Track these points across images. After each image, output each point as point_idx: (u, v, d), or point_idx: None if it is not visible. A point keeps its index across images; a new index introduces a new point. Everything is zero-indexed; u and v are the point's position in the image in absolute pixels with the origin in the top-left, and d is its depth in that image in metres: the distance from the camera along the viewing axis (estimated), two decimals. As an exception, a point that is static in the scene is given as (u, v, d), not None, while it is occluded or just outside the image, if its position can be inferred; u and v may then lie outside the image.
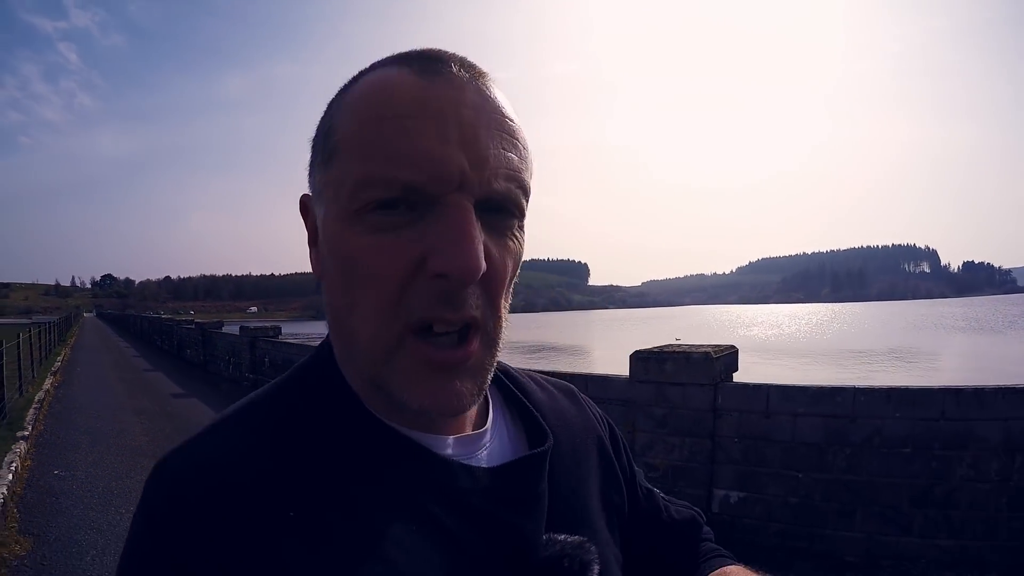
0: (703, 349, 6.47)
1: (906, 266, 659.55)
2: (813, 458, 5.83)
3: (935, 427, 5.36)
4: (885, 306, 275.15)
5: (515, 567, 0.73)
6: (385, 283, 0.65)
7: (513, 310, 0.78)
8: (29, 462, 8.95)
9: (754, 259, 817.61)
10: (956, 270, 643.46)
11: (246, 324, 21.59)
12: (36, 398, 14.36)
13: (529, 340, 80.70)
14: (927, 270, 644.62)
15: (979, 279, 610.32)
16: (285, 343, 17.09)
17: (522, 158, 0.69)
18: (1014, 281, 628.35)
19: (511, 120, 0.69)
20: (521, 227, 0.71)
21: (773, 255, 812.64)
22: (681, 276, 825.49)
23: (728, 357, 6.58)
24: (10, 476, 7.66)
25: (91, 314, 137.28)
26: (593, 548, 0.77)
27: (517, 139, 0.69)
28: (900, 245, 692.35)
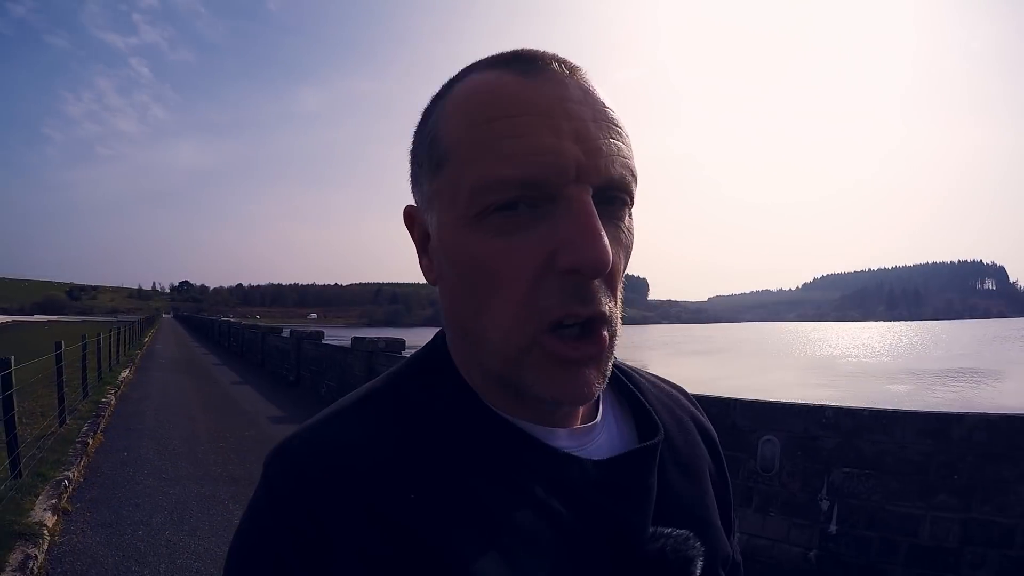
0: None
1: (973, 283, 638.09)
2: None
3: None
4: (925, 325, 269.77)
5: (620, 557, 0.73)
6: (516, 284, 0.66)
7: None
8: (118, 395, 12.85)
9: (819, 275, 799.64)
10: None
11: (296, 328, 25.50)
12: (120, 376, 18.72)
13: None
14: (993, 287, 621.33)
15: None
16: (325, 344, 20.74)
17: (628, 146, 0.70)
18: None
19: (613, 111, 0.70)
20: (631, 217, 0.72)
21: (838, 271, 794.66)
22: (747, 292, 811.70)
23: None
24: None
25: (169, 315, 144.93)
26: (698, 544, 0.78)
27: (621, 128, 0.70)
28: (966, 261, 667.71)
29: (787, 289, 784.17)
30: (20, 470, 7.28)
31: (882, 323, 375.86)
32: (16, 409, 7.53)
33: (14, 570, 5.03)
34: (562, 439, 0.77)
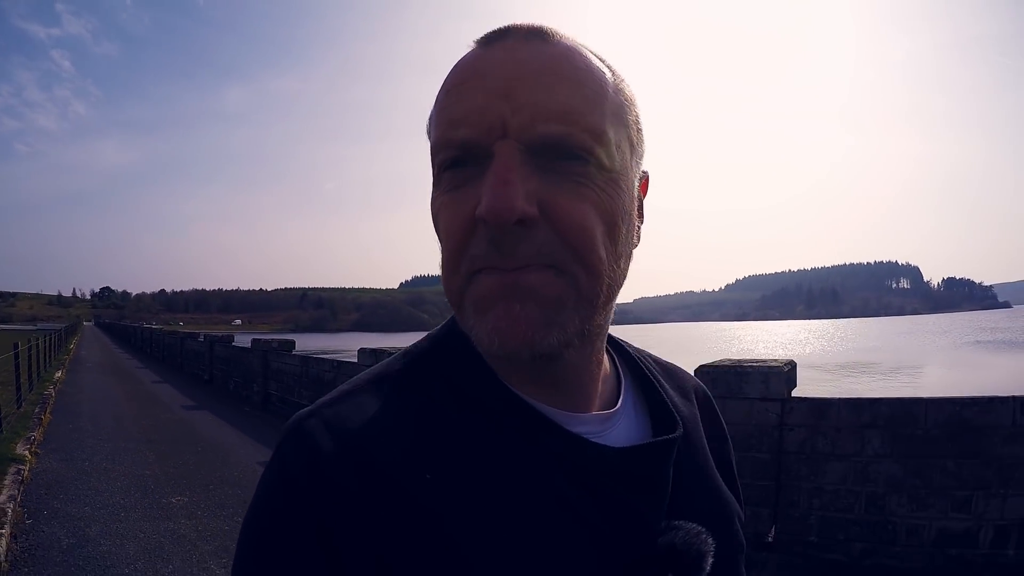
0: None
1: (889, 283, 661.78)
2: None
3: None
4: (842, 323, 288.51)
5: (633, 548, 0.73)
6: (454, 236, 0.68)
7: None
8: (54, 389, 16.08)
9: (741, 276, 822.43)
10: (937, 286, 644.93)
11: (208, 332, 28.56)
12: (54, 376, 21.64)
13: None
14: (907, 286, 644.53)
15: (958, 295, 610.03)
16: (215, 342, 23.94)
17: (588, 100, 0.68)
18: (994, 297, 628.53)
19: (575, 67, 0.69)
20: (608, 175, 0.69)
21: (759, 272, 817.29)
22: (672, 293, 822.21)
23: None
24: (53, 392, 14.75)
25: (90, 323, 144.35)
26: (709, 539, 0.77)
27: (581, 83, 0.68)
28: (882, 262, 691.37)
29: (711, 290, 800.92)
30: (1, 427, 11.03)
31: (800, 321, 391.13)
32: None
33: (14, 475, 8.51)
34: (582, 424, 0.76)
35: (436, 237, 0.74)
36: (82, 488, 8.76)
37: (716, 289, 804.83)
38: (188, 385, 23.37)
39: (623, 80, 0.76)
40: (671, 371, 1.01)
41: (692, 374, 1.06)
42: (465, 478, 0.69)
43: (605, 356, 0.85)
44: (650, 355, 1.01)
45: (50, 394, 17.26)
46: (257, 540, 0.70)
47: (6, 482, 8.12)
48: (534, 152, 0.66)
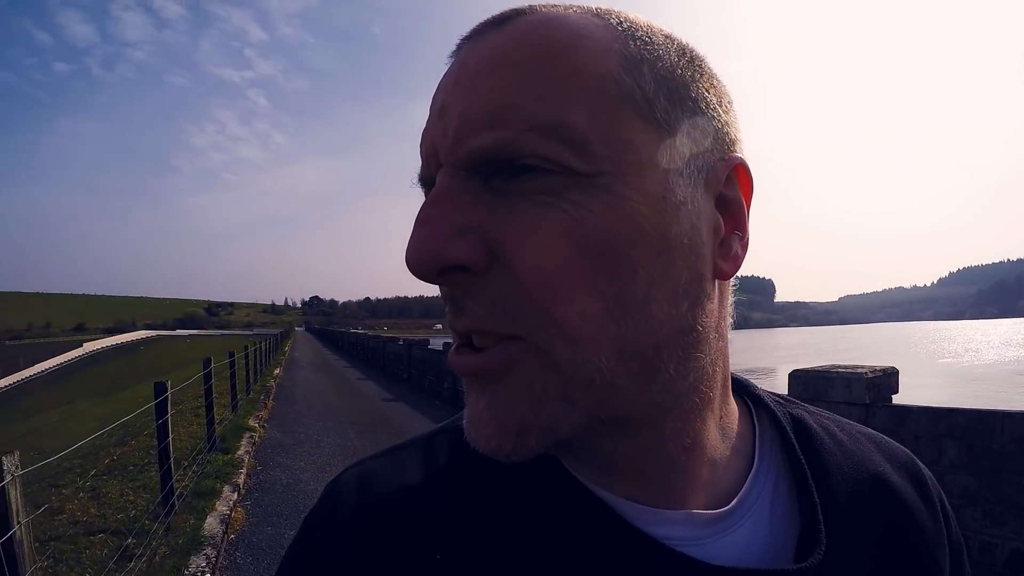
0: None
1: None
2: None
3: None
4: None
5: None
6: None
7: None
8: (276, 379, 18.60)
9: (955, 268, 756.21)
10: None
11: (407, 337, 30.97)
12: (274, 372, 24.60)
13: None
14: None
15: None
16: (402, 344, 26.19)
17: (536, 85, 0.47)
18: None
19: (524, 46, 0.49)
20: (589, 182, 0.47)
21: (976, 263, 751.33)
22: (879, 290, 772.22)
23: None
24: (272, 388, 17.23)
25: (301, 328, 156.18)
26: None
27: (527, 65, 0.48)
28: None
29: (922, 285, 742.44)
30: (237, 407, 13.53)
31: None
32: (225, 387, 13.48)
33: (248, 439, 10.81)
34: (666, 525, 0.54)
35: None
36: (298, 451, 10.86)
37: (927, 284, 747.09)
38: (388, 383, 25.90)
39: (635, 37, 0.51)
40: (870, 446, 0.68)
41: (896, 444, 0.72)
42: (482, 572, 0.55)
43: (735, 427, 0.61)
44: (838, 422, 0.71)
45: (271, 386, 20.23)
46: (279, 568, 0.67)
47: (243, 442, 10.49)
48: (476, 174, 0.49)
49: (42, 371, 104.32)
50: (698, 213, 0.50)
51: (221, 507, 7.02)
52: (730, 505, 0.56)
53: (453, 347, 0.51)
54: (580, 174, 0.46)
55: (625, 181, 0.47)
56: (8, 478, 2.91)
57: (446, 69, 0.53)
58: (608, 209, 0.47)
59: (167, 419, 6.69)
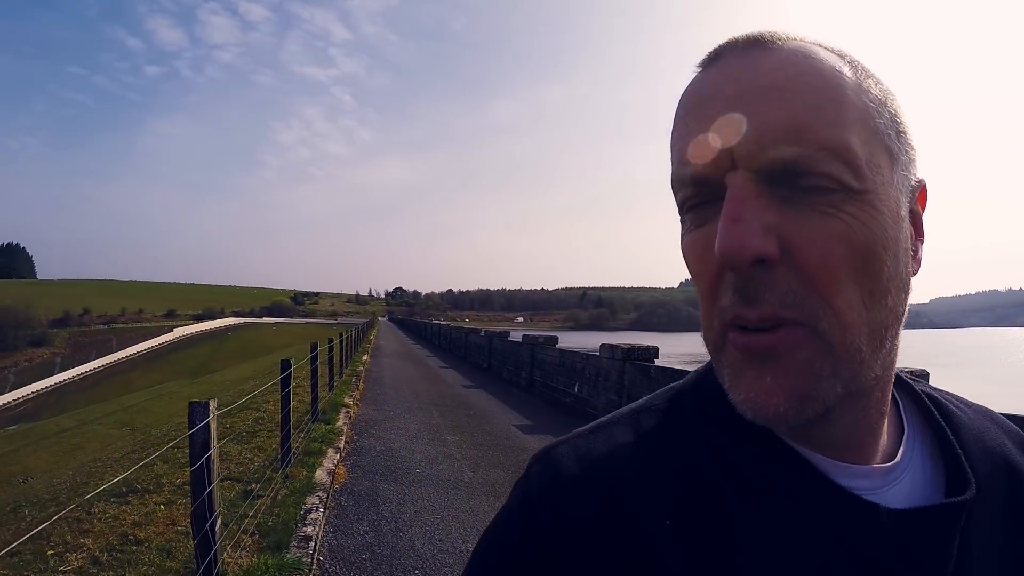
0: None
1: None
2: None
3: None
4: None
5: None
6: (703, 281, 0.62)
7: None
8: (367, 358, 20.18)
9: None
10: None
11: (488, 328, 32.43)
12: (362, 359, 26.26)
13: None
14: None
15: None
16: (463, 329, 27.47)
17: (822, 112, 0.58)
18: None
19: (802, 73, 0.59)
20: (859, 198, 0.58)
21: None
22: (973, 293, 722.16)
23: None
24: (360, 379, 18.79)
25: (384, 318, 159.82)
26: None
27: (811, 91, 0.58)
28: None
29: (1018, 289, 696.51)
30: (332, 386, 15.08)
31: None
32: (323, 369, 14.92)
33: (344, 414, 12.26)
34: (854, 477, 0.65)
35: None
36: (388, 425, 12.29)
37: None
38: (469, 371, 27.39)
39: (869, 76, 0.64)
40: (986, 419, 0.79)
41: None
42: (709, 529, 0.63)
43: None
44: (958, 398, 0.82)
45: (361, 371, 21.86)
46: (485, 551, 0.72)
47: (340, 416, 11.95)
48: (770, 181, 0.58)
49: (134, 354, 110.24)
50: (906, 224, 0.63)
51: (327, 464, 8.40)
52: (896, 459, 0.68)
53: (725, 329, 0.61)
54: (853, 191, 0.58)
55: (880, 198, 0.59)
56: (211, 415, 4.27)
57: (701, 77, 0.64)
58: (872, 220, 0.59)
59: (289, 390, 8.12)
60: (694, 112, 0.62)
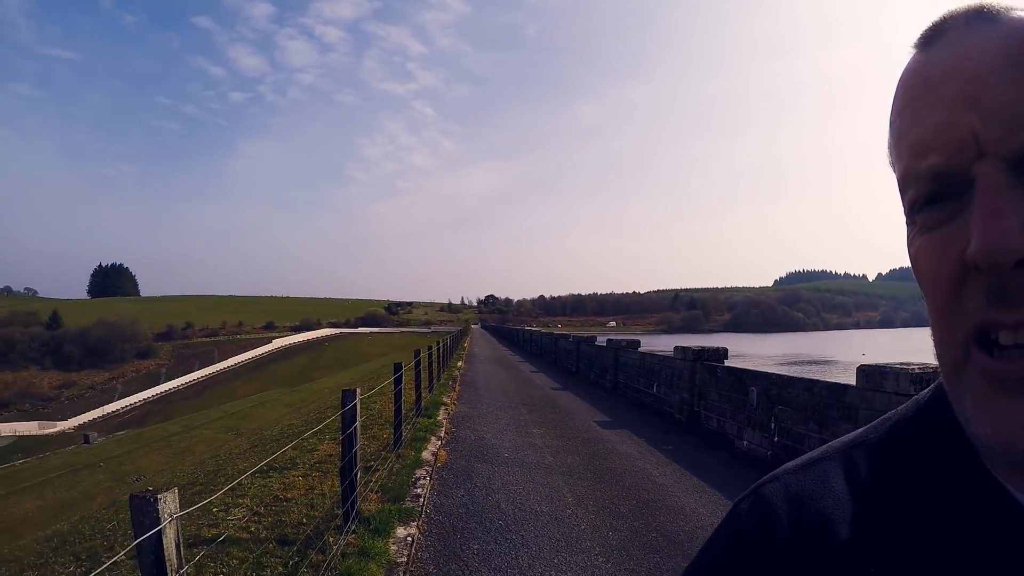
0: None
1: None
2: None
3: None
4: None
5: None
6: (940, 288, 0.55)
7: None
8: (462, 363, 21.97)
9: None
10: None
11: (576, 334, 34.00)
12: (457, 365, 28.10)
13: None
14: None
15: None
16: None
17: None
18: None
19: None
20: None
21: None
22: None
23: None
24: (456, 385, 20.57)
25: (477, 326, 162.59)
26: None
27: None
28: None
29: None
30: (432, 387, 16.96)
31: None
32: (423, 373, 16.68)
33: (444, 410, 14.06)
34: None
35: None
36: (481, 421, 13.93)
37: None
38: (558, 375, 28.95)
39: None
40: None
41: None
42: None
43: None
44: None
45: (456, 375, 23.80)
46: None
47: (440, 412, 13.80)
48: (1013, 166, 0.51)
49: (235, 364, 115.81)
50: None
51: (430, 448, 10.18)
52: None
53: (968, 345, 0.54)
54: None
55: None
56: (357, 399, 6.00)
57: (924, 58, 0.58)
58: None
59: (401, 387, 9.92)
60: (923, 98, 0.56)
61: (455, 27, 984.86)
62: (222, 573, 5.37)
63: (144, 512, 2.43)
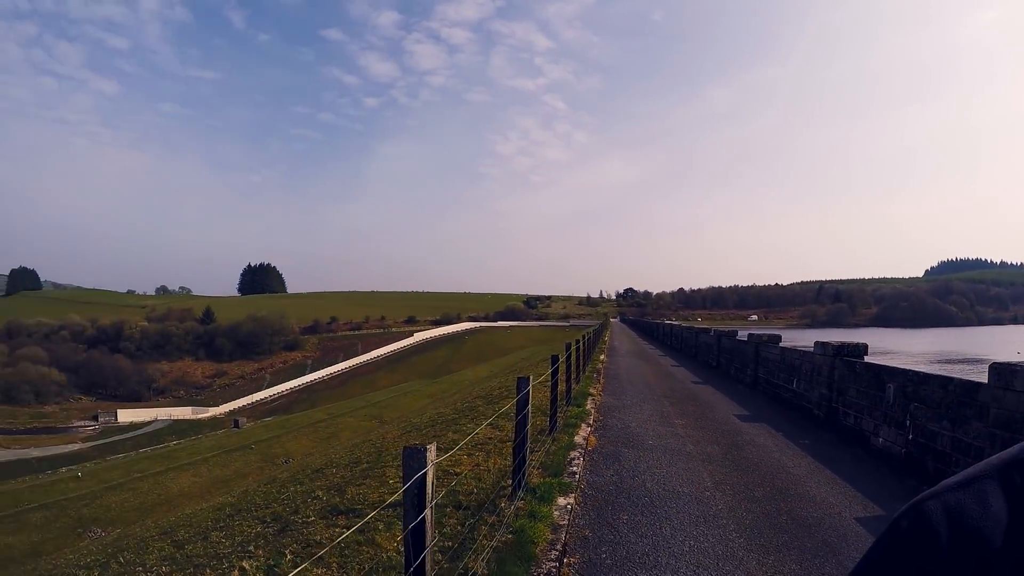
0: None
1: None
2: None
3: None
4: None
5: None
6: None
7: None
8: (604, 357, 22.99)
9: None
10: None
11: (717, 328, 34.26)
12: (599, 358, 29.14)
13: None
14: None
15: None
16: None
17: None
18: None
19: None
20: None
21: None
22: None
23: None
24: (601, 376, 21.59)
25: (615, 319, 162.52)
26: None
27: None
28: None
29: None
30: (579, 379, 17.97)
31: None
32: (576, 364, 17.77)
33: (591, 399, 15.15)
34: None
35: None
36: (625, 411, 14.96)
37: None
38: (699, 369, 29.49)
39: None
40: None
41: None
42: None
43: None
44: None
45: (600, 368, 24.83)
46: None
47: (587, 402, 14.87)
48: None
49: (377, 356, 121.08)
50: None
51: (582, 433, 11.33)
52: None
53: None
54: None
55: None
56: (530, 385, 7.20)
57: None
58: None
59: (557, 379, 11.07)
60: None
61: (580, 18, 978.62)
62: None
63: (415, 458, 3.62)
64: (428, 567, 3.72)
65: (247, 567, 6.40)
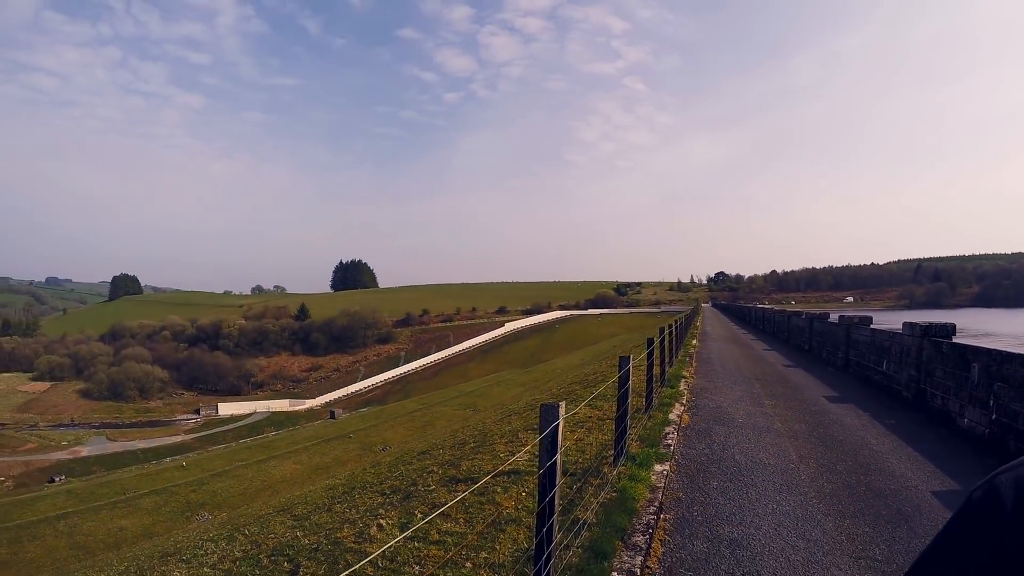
0: None
1: None
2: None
3: None
4: None
5: None
6: None
7: None
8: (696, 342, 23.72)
9: None
10: None
11: (809, 311, 34.23)
12: (691, 343, 29.79)
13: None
14: None
15: None
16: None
17: None
18: None
19: None
20: None
21: None
22: None
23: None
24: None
25: (707, 304, 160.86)
26: None
27: None
28: None
29: None
30: (672, 362, 18.68)
31: None
32: (670, 349, 18.62)
33: (684, 381, 16.08)
34: None
35: None
36: (716, 392, 15.76)
37: None
38: (790, 352, 29.81)
39: None
40: None
41: None
42: None
43: None
44: None
45: (692, 353, 25.50)
46: (923, 567, 0.77)
47: (681, 384, 15.74)
48: None
49: (469, 347, 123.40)
50: None
51: (675, 411, 12.25)
52: None
53: None
54: None
55: None
56: (630, 363, 8.20)
57: None
58: None
59: (652, 362, 12.01)
60: None
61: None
62: (525, 491, 7.62)
63: (550, 412, 4.66)
64: (557, 501, 4.72)
65: (383, 524, 7.56)
